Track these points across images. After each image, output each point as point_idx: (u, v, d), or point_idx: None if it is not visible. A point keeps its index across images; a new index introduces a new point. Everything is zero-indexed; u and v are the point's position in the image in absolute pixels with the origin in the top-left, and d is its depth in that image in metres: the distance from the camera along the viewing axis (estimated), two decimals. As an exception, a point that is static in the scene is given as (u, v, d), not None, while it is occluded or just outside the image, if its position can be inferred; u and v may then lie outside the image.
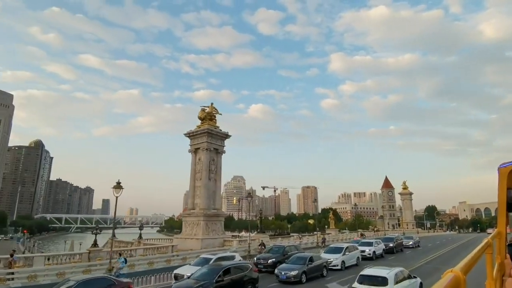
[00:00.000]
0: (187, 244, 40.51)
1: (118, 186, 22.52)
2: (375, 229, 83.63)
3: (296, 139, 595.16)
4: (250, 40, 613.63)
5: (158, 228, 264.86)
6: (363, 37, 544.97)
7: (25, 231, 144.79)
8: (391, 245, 36.55)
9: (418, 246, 46.93)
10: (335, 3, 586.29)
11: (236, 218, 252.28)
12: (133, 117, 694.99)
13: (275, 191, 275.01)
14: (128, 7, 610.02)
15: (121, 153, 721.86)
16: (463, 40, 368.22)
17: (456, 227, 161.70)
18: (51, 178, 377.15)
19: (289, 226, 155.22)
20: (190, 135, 45.96)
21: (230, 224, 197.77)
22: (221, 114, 49.32)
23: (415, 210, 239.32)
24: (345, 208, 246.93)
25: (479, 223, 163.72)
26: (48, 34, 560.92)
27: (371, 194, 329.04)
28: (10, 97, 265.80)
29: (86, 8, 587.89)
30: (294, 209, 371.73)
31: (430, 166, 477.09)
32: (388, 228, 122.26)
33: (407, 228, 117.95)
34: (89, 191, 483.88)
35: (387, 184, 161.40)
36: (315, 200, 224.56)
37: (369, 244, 33.19)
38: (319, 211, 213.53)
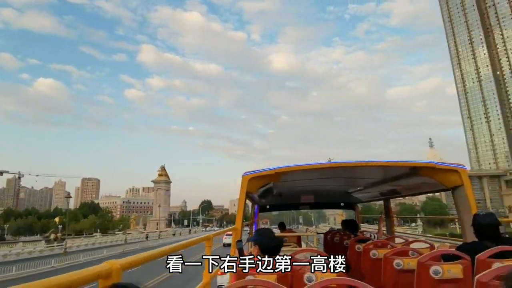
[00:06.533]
0: None
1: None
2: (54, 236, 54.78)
3: (98, 127, 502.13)
4: (48, 2, 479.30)
5: None
6: (175, 38, 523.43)
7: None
8: None
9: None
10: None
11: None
12: None
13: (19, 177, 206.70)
14: None
15: None
16: (257, 64, 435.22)
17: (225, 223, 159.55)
18: None
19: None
20: None
21: None
22: None
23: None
24: (115, 202, 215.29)
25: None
26: None
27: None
28: None
29: None
30: (73, 205, 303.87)
31: (222, 166, 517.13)
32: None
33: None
34: None
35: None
36: (69, 195, 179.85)
37: None
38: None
